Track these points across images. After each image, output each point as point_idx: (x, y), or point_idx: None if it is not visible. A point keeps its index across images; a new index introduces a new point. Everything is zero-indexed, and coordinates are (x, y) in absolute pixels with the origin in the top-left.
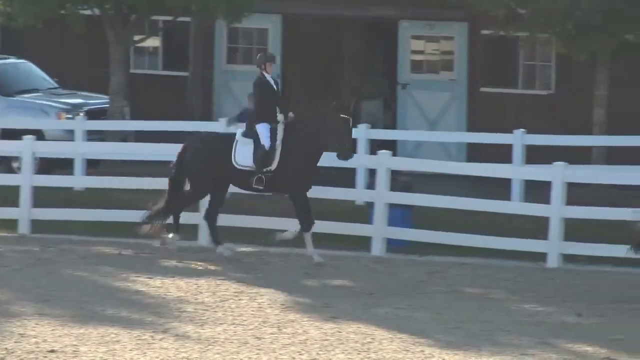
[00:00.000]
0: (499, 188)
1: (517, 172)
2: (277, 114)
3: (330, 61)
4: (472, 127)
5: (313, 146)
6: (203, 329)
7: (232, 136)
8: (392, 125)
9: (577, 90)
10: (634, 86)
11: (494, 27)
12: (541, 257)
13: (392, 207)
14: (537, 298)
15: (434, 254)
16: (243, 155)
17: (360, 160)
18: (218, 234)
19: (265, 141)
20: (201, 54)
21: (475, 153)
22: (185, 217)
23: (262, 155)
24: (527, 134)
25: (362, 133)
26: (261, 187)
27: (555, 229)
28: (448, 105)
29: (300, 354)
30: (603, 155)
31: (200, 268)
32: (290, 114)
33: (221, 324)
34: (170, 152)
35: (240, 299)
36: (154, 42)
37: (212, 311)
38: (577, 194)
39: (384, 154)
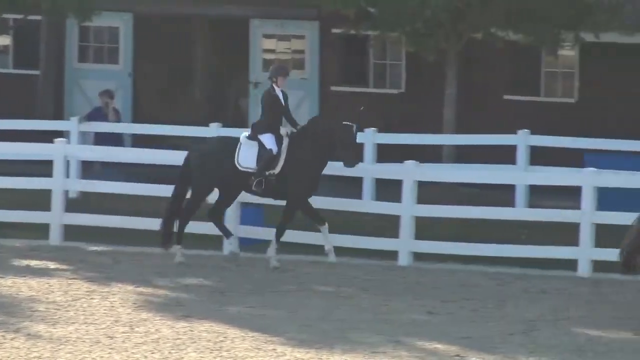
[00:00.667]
0: (351, 186)
1: (369, 170)
2: (281, 127)
3: (182, 60)
4: None
5: (318, 155)
6: (55, 329)
7: (236, 139)
8: None
9: (427, 89)
10: (484, 84)
11: (345, 26)
12: (392, 255)
13: (244, 205)
14: (388, 296)
15: (286, 252)
16: (246, 157)
17: None
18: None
19: (271, 146)
20: (52, 53)
21: None
22: (36, 217)
23: (267, 159)
24: (378, 132)
25: (213, 132)
26: (259, 191)
27: (406, 227)
28: (299, 104)
29: (152, 353)
30: (453, 153)
31: (52, 267)
32: (293, 130)
33: (73, 323)
34: (22, 151)
35: (92, 298)
36: (4, 40)
37: (64, 310)
38: (430, 193)
39: None
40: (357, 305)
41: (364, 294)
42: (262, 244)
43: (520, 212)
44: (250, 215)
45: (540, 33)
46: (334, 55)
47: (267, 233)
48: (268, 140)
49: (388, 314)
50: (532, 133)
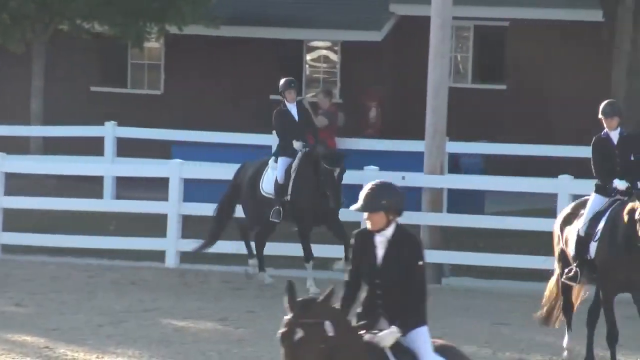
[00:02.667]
0: None
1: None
2: (294, 142)
3: None
4: None
5: (315, 179)
6: None
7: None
8: None
9: (14, 81)
10: (71, 76)
11: None
12: None
13: None
14: None
15: None
16: (269, 182)
17: None
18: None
19: (279, 175)
20: None
21: None
22: None
23: (275, 188)
24: None
25: None
26: (277, 221)
27: None
28: None
29: None
30: (41, 145)
31: None
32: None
33: None
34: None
35: None
36: None
37: None
38: (17, 184)
39: None
40: None
41: None
42: None
43: (108, 203)
44: None
45: (125, 25)
46: None
47: None
48: (280, 164)
49: None
50: (120, 125)
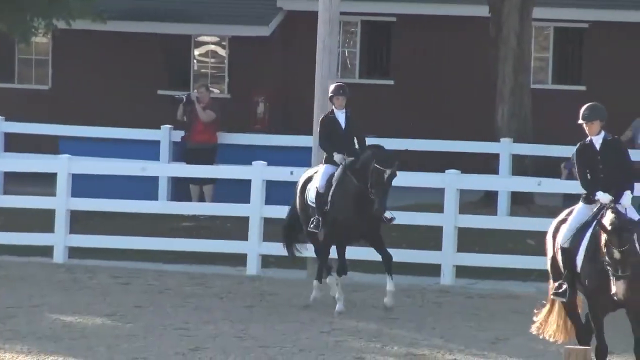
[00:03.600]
0: None
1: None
2: (335, 153)
3: None
4: None
5: (358, 190)
6: None
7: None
8: None
9: None
10: None
11: None
12: None
13: None
14: None
15: None
16: (314, 191)
17: None
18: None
19: (320, 183)
20: None
21: None
22: None
23: (316, 197)
24: None
25: None
26: (316, 231)
27: None
28: None
29: None
30: None
31: None
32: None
33: None
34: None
35: None
36: None
37: None
38: None
39: None
40: None
41: None
42: None
43: None
44: None
45: (12, 20)
46: None
47: None
48: (323, 173)
49: None
50: (7, 120)
